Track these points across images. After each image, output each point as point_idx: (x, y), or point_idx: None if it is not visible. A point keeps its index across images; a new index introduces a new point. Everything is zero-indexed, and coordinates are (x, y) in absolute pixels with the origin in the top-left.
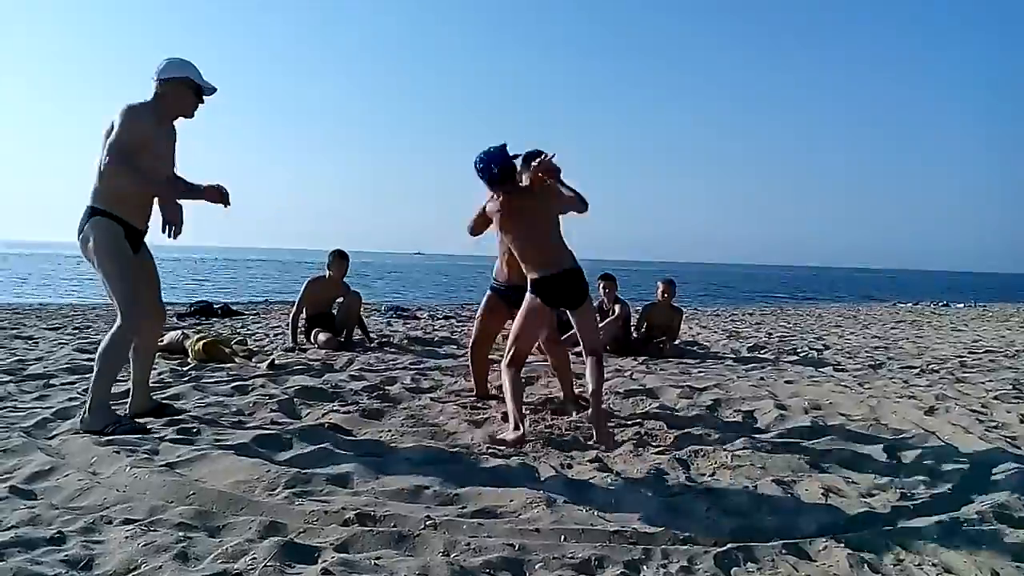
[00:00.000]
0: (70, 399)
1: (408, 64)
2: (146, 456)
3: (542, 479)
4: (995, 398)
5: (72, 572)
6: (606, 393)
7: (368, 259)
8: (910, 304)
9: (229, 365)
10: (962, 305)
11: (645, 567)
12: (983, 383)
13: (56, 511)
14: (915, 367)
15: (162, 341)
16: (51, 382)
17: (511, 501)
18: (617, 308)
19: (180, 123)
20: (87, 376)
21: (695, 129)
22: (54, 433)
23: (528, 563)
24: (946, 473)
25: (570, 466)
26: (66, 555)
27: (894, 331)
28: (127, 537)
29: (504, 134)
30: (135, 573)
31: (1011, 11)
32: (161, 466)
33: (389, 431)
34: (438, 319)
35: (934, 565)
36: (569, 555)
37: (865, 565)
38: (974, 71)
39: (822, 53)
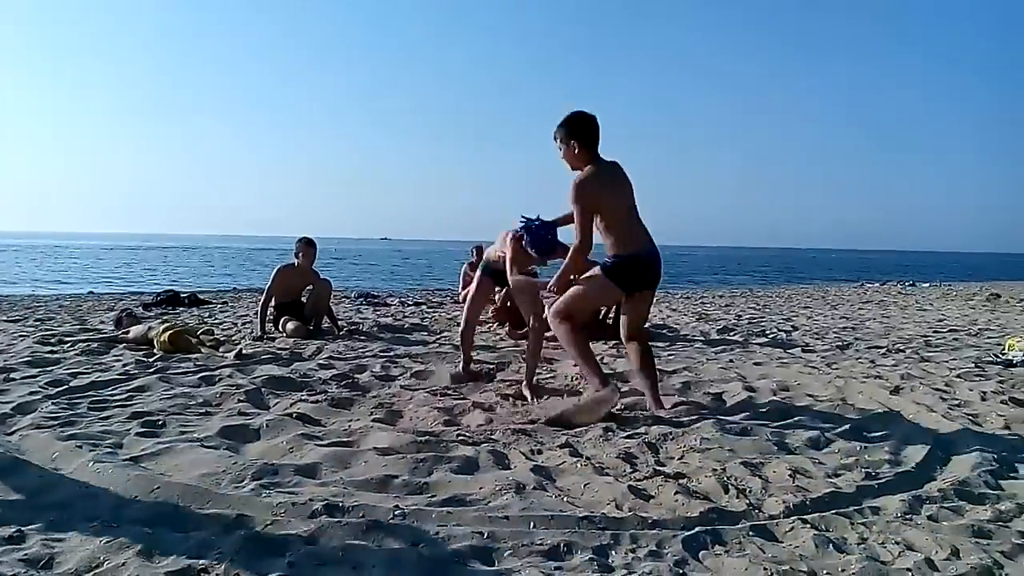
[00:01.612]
0: (31, 393)
1: (379, 52)
2: (109, 450)
3: (512, 466)
4: (958, 376)
5: (32, 571)
6: (576, 377)
7: (335, 245)
8: (877, 284)
9: (196, 355)
10: (927, 284)
11: (614, 552)
12: (946, 362)
13: (16, 509)
14: (881, 347)
15: (127, 335)
16: (11, 375)
17: (480, 488)
18: None
19: (155, 111)
20: (49, 369)
21: (671, 112)
22: (14, 428)
23: (497, 551)
24: (910, 452)
25: (540, 452)
26: (25, 554)
27: (861, 311)
28: (89, 534)
29: (479, 125)
30: (97, 571)
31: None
32: (125, 460)
33: (358, 420)
34: (408, 306)
35: (896, 543)
36: (538, 541)
37: (830, 544)
38: (962, 62)
39: (805, 48)
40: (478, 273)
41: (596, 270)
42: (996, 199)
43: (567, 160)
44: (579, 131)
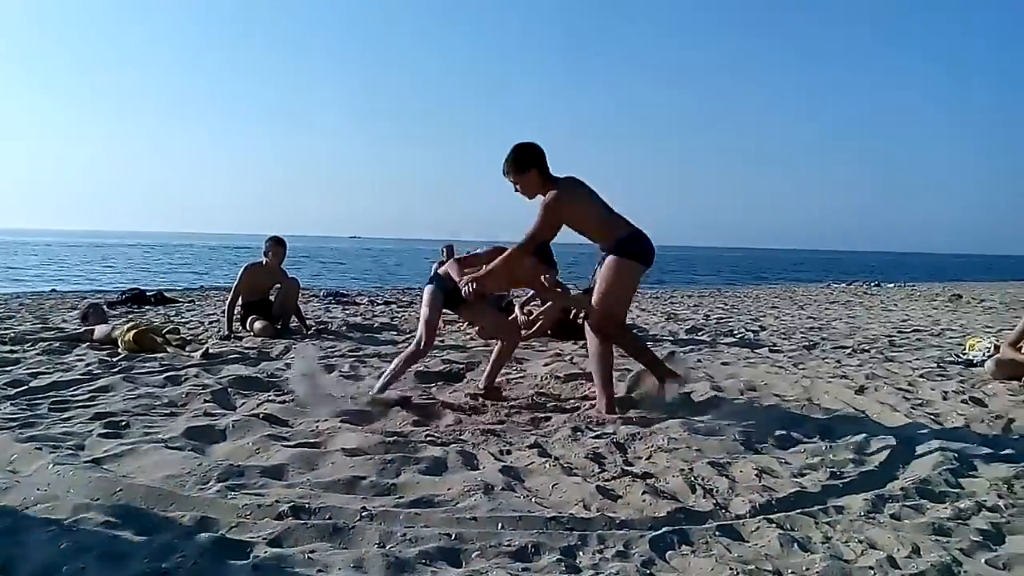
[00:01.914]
0: None
1: (352, 50)
2: (71, 452)
3: (481, 466)
4: (921, 376)
5: None
6: (545, 377)
7: (301, 243)
8: (844, 284)
9: (161, 355)
10: (892, 285)
11: (581, 552)
12: (910, 362)
13: None
14: (847, 347)
15: (92, 332)
16: None
17: (449, 489)
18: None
19: (119, 105)
20: (8, 369)
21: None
22: None
23: (464, 552)
24: (874, 451)
25: (509, 452)
26: None
27: (828, 312)
28: (48, 538)
29: (452, 124)
30: None
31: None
32: (86, 462)
33: (326, 420)
34: (378, 304)
35: (860, 542)
36: (506, 543)
37: (795, 544)
38: (951, 59)
39: (783, 48)
40: (430, 290)
41: (609, 260)
42: (976, 201)
43: (526, 191)
44: (532, 159)
